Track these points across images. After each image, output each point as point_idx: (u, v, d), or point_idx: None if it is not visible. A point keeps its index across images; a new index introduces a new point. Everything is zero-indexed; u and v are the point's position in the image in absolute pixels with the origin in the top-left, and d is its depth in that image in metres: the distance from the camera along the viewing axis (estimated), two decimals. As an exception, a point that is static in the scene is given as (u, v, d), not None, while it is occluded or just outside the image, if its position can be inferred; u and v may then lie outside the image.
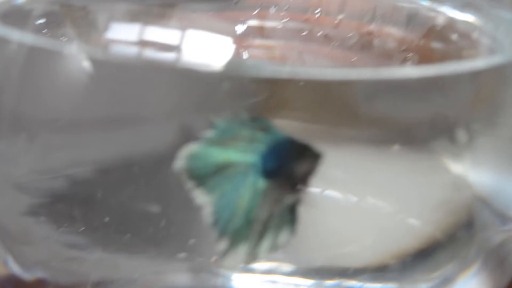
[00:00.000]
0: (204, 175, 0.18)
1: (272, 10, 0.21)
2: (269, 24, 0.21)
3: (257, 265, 0.19)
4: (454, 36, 0.21)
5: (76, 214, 0.19)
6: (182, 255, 0.19)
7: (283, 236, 0.18)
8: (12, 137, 0.19)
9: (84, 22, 0.19)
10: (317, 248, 0.19)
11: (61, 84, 0.18)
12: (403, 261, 0.20)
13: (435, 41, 0.21)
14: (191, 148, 0.18)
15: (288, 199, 0.18)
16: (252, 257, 0.18)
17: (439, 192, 0.20)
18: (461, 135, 0.20)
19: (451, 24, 0.21)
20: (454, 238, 0.20)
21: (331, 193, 0.20)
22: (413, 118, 0.19)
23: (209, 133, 0.18)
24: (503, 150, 0.21)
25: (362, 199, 0.20)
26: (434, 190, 0.20)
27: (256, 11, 0.20)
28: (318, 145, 0.18)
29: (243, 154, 0.18)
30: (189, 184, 0.18)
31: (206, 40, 0.18)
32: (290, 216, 0.18)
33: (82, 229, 0.19)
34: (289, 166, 0.18)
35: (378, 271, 0.20)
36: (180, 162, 0.17)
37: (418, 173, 0.20)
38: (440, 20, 0.21)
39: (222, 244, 0.18)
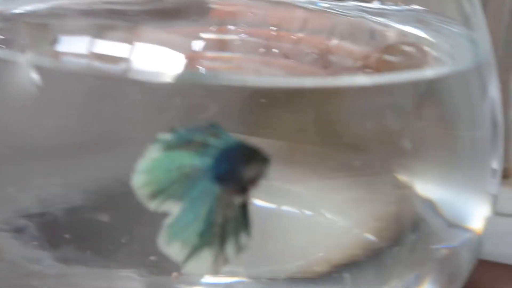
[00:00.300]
0: (162, 184, 0.18)
1: (232, 27, 0.22)
2: (227, 38, 0.22)
3: (212, 279, 0.20)
4: (407, 49, 0.21)
5: (37, 229, 0.19)
6: (143, 271, 0.19)
7: (242, 238, 0.18)
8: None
9: (41, 37, 0.20)
10: (271, 260, 0.20)
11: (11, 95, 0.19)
12: (355, 273, 0.20)
13: (389, 55, 0.22)
14: (147, 160, 0.18)
15: (238, 201, 0.18)
16: (219, 261, 0.18)
17: (391, 205, 0.20)
18: (409, 145, 0.20)
19: (404, 39, 0.22)
20: (405, 248, 0.21)
21: (287, 208, 0.20)
22: (362, 129, 0.20)
23: (165, 138, 0.18)
24: (452, 159, 0.21)
25: (317, 214, 0.20)
26: (386, 203, 0.20)
27: (215, 27, 0.21)
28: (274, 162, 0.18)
29: (198, 159, 0.18)
30: (147, 195, 0.18)
31: (159, 53, 0.19)
32: (243, 219, 0.19)
33: (42, 243, 0.19)
34: (238, 169, 0.18)
35: (331, 283, 0.20)
36: (138, 177, 0.18)
37: (371, 187, 0.20)
38: (394, 35, 0.22)
39: (185, 251, 0.18)
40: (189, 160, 0.18)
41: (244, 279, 0.20)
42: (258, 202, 0.19)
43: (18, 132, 0.19)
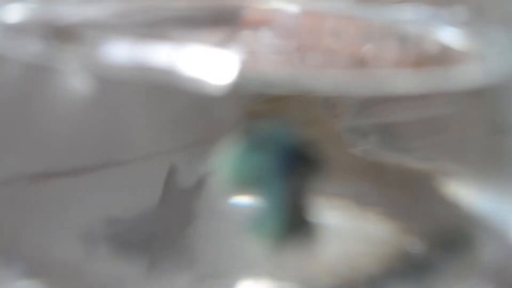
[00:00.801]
0: (244, 181, 0.18)
1: (264, 31, 0.21)
2: (260, 41, 0.21)
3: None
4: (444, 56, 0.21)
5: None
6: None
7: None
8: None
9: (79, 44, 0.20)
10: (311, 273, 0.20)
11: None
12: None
13: (428, 62, 0.21)
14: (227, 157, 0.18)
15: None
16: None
17: (434, 215, 0.20)
18: (455, 151, 0.20)
19: (442, 45, 0.21)
20: (450, 261, 0.20)
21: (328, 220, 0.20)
22: (408, 132, 0.20)
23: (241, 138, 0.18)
24: (499, 166, 0.21)
25: (362, 225, 0.20)
26: (432, 211, 0.20)
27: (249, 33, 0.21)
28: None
29: (273, 158, 0.18)
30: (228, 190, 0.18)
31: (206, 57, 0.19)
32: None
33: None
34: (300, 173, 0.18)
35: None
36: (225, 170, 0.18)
37: (413, 196, 0.20)
38: (431, 42, 0.22)
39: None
40: (265, 158, 0.18)
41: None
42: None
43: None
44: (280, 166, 0.18)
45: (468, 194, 0.20)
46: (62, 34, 0.20)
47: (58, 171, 0.20)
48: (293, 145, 0.18)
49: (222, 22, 0.22)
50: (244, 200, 0.19)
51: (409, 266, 0.20)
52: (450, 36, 0.22)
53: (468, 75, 0.20)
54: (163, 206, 0.19)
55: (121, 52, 0.19)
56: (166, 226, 0.19)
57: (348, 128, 0.19)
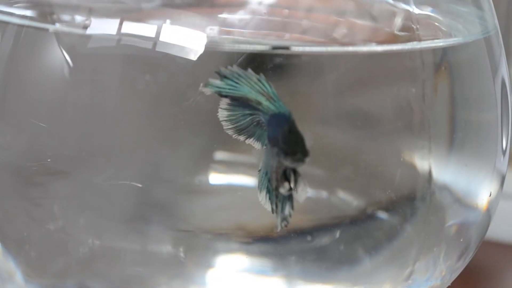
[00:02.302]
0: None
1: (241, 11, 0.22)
2: (242, 17, 0.22)
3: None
4: (415, 26, 0.22)
5: None
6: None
7: (286, 209, 0.19)
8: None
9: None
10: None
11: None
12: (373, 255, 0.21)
13: (399, 31, 0.22)
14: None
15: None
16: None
17: (402, 182, 0.21)
18: (420, 118, 0.20)
19: (413, 17, 0.22)
20: (415, 223, 0.21)
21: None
22: (376, 100, 0.20)
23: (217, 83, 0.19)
24: (462, 135, 0.22)
25: (331, 195, 0.21)
26: (398, 180, 0.21)
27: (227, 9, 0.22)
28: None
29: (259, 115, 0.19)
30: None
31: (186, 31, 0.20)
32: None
33: None
34: (284, 139, 0.19)
35: (349, 265, 0.20)
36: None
37: (382, 162, 0.21)
38: (401, 14, 0.23)
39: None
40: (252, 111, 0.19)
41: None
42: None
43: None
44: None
45: (435, 160, 0.21)
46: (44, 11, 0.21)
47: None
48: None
49: (199, 2, 0.22)
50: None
51: (372, 227, 0.21)
52: (418, 12, 0.23)
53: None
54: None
55: (101, 27, 0.20)
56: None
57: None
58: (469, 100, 0.22)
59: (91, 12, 0.20)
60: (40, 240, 0.20)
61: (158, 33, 0.19)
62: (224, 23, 0.21)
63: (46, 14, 0.21)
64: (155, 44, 0.19)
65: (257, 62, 0.19)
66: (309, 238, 0.20)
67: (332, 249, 0.20)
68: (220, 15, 0.21)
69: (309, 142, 0.19)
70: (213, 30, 0.20)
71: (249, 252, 0.20)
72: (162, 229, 0.20)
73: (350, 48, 0.21)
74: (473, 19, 0.23)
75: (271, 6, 0.22)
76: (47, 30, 0.20)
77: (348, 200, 0.21)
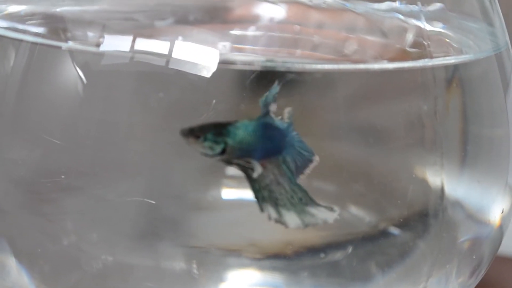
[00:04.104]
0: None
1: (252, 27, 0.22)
2: (252, 34, 0.22)
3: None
4: (426, 43, 0.22)
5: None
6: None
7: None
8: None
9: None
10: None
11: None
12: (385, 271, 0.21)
13: (410, 47, 0.22)
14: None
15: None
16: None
17: (415, 198, 0.21)
18: (433, 134, 0.21)
19: (424, 33, 0.22)
20: (428, 239, 0.21)
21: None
22: (388, 116, 0.20)
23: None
24: (474, 151, 0.22)
25: (343, 210, 0.21)
26: (411, 196, 0.21)
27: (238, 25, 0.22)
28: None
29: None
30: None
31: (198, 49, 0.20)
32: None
33: None
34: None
35: (361, 281, 0.20)
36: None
37: (394, 179, 0.21)
38: (412, 31, 0.23)
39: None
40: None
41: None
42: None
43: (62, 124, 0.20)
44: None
45: (448, 176, 0.21)
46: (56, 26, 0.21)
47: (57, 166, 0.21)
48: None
49: (212, 18, 0.22)
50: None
51: (385, 244, 0.21)
52: (427, 28, 0.23)
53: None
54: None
55: (115, 44, 0.20)
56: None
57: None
58: (481, 116, 0.22)
59: (104, 29, 0.20)
60: (54, 255, 0.21)
61: (171, 50, 0.19)
62: (236, 40, 0.21)
63: (60, 30, 0.21)
64: (168, 61, 0.19)
65: (268, 79, 0.19)
66: (322, 255, 0.20)
67: (345, 265, 0.20)
68: (232, 32, 0.21)
69: (321, 158, 0.19)
70: (226, 47, 0.20)
71: (261, 268, 0.20)
72: (174, 245, 0.20)
73: (362, 66, 0.21)
74: (484, 36, 0.23)
75: (282, 22, 0.22)
76: (60, 47, 0.20)
77: (361, 216, 0.21)
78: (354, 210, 0.21)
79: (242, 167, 0.19)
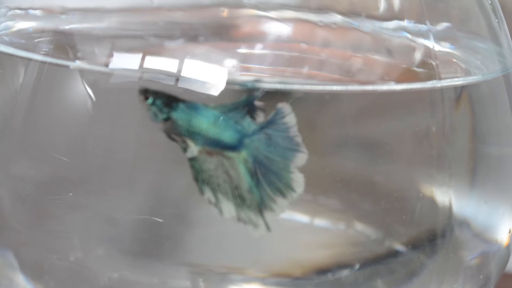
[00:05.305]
0: None
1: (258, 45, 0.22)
2: (259, 52, 0.22)
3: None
4: (433, 63, 0.22)
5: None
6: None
7: None
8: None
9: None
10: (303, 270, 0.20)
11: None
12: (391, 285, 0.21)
13: (416, 67, 0.22)
14: None
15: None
16: None
17: (423, 217, 0.21)
18: (440, 153, 0.21)
19: (432, 53, 0.22)
20: (435, 259, 0.21)
21: (320, 221, 0.21)
22: (396, 136, 0.20)
23: None
24: (482, 171, 0.22)
25: (348, 227, 0.21)
26: (418, 215, 0.21)
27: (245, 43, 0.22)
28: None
29: None
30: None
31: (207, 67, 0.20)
32: None
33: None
34: None
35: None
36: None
37: (401, 198, 0.21)
38: (420, 50, 0.23)
39: None
40: None
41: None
42: (292, 214, 0.20)
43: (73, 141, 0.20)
44: None
45: (447, 195, 0.21)
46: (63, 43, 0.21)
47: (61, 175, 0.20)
48: None
49: (219, 35, 0.22)
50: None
51: (393, 263, 0.21)
52: (435, 48, 0.23)
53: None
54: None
55: (121, 62, 0.20)
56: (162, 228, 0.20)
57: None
58: (489, 136, 0.22)
59: (113, 47, 0.20)
60: (60, 271, 0.21)
61: (179, 69, 0.19)
62: (243, 59, 0.21)
63: (68, 47, 0.21)
64: (176, 80, 0.19)
65: (277, 98, 0.19)
66: (330, 275, 0.20)
67: (352, 283, 0.20)
68: (239, 50, 0.21)
69: (329, 176, 0.19)
70: (234, 68, 0.20)
71: (265, 284, 0.20)
72: (179, 262, 0.20)
73: (370, 87, 0.21)
74: (492, 56, 0.23)
75: (288, 40, 0.22)
76: (68, 66, 0.20)
77: (368, 235, 0.21)
78: (362, 228, 0.21)
79: (181, 145, 0.19)
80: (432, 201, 0.21)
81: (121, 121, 0.20)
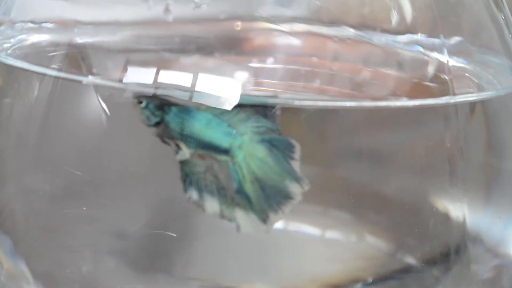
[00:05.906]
0: None
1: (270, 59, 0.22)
2: (271, 66, 0.22)
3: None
4: (447, 78, 0.22)
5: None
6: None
7: None
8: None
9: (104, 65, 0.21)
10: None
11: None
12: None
13: (429, 82, 0.22)
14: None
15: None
16: None
17: (436, 232, 0.21)
18: (453, 168, 0.21)
19: (445, 67, 0.22)
20: (449, 274, 0.21)
21: (331, 233, 0.21)
22: (409, 150, 0.20)
23: None
24: (494, 186, 0.22)
25: (360, 239, 0.21)
26: (432, 230, 0.21)
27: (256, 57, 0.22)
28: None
29: None
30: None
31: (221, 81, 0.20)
32: None
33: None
34: None
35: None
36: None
37: (413, 212, 0.21)
38: (433, 64, 0.23)
39: None
40: None
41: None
42: (302, 227, 0.19)
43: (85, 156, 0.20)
44: None
45: (461, 210, 0.21)
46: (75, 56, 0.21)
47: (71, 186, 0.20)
48: None
49: (230, 48, 0.23)
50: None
51: (406, 278, 0.21)
52: (446, 62, 0.23)
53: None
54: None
55: (133, 76, 0.20)
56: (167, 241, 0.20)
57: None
58: (502, 151, 0.22)
59: (127, 62, 0.20)
60: (72, 283, 0.21)
61: (193, 84, 0.19)
62: (254, 73, 0.21)
63: (81, 61, 0.21)
64: (190, 95, 0.19)
65: (290, 113, 0.19)
66: None
67: None
68: (250, 64, 0.21)
69: (342, 189, 0.19)
70: (248, 83, 0.20)
71: None
72: (188, 277, 0.20)
73: (383, 103, 0.21)
74: (504, 70, 0.23)
75: (299, 54, 0.22)
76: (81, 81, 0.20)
77: (381, 249, 0.21)
78: (375, 242, 0.21)
79: (173, 148, 0.19)
80: (445, 216, 0.21)
81: (133, 135, 0.20)
